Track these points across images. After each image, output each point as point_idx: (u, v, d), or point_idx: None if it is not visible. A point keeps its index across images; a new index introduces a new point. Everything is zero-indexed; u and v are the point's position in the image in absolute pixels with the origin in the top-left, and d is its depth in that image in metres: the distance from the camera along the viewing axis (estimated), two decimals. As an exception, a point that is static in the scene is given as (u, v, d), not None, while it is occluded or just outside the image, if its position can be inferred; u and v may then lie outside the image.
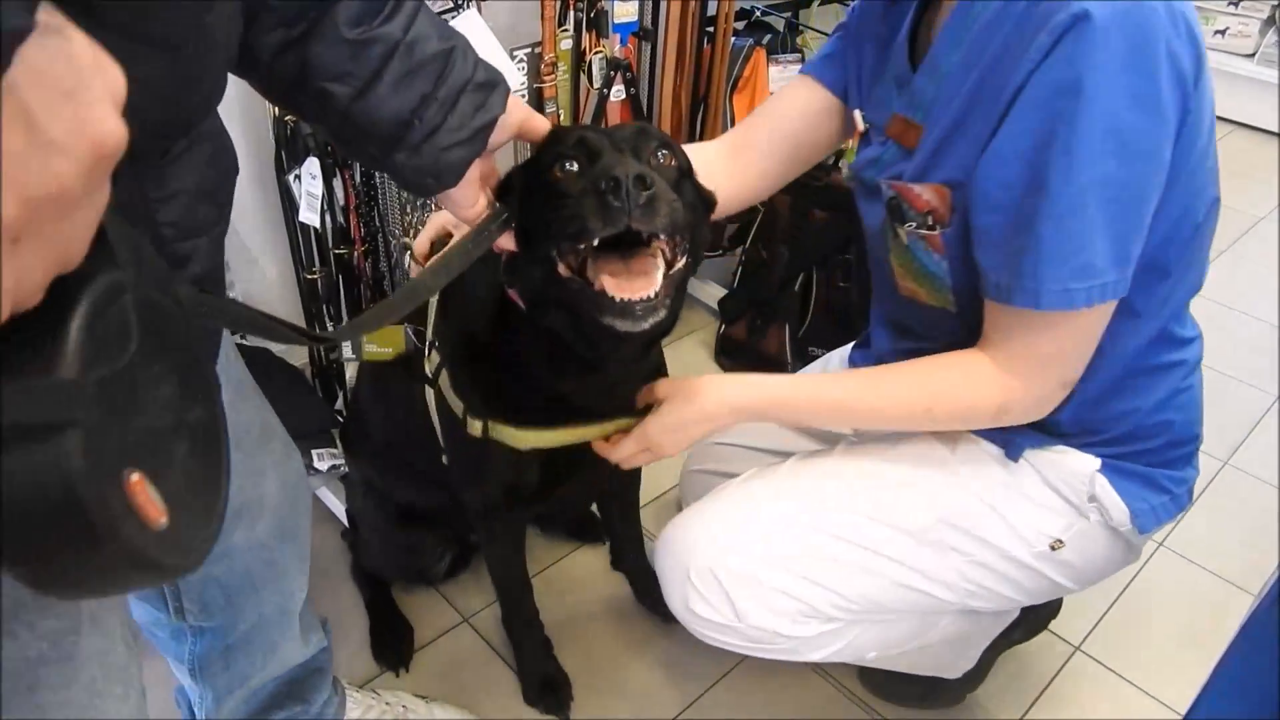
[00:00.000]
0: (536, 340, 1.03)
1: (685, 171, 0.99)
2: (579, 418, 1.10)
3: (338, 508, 1.66)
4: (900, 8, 1.08)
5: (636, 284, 0.88)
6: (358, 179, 1.57)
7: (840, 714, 1.49)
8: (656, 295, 0.88)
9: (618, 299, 0.87)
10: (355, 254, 1.60)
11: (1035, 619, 1.52)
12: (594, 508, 1.73)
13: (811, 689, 1.52)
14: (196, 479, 0.52)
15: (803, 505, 1.14)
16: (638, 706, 1.48)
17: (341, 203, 1.52)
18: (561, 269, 0.92)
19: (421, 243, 1.15)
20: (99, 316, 0.42)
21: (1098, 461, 1.12)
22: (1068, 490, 1.13)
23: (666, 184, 0.88)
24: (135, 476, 0.44)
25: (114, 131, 0.39)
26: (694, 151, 1.13)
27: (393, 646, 1.53)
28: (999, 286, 0.96)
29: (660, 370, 1.24)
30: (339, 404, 1.66)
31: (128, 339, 0.45)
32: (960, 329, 1.07)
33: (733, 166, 1.24)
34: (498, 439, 1.10)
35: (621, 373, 1.09)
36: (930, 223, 1.02)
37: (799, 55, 2.14)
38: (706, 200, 1.05)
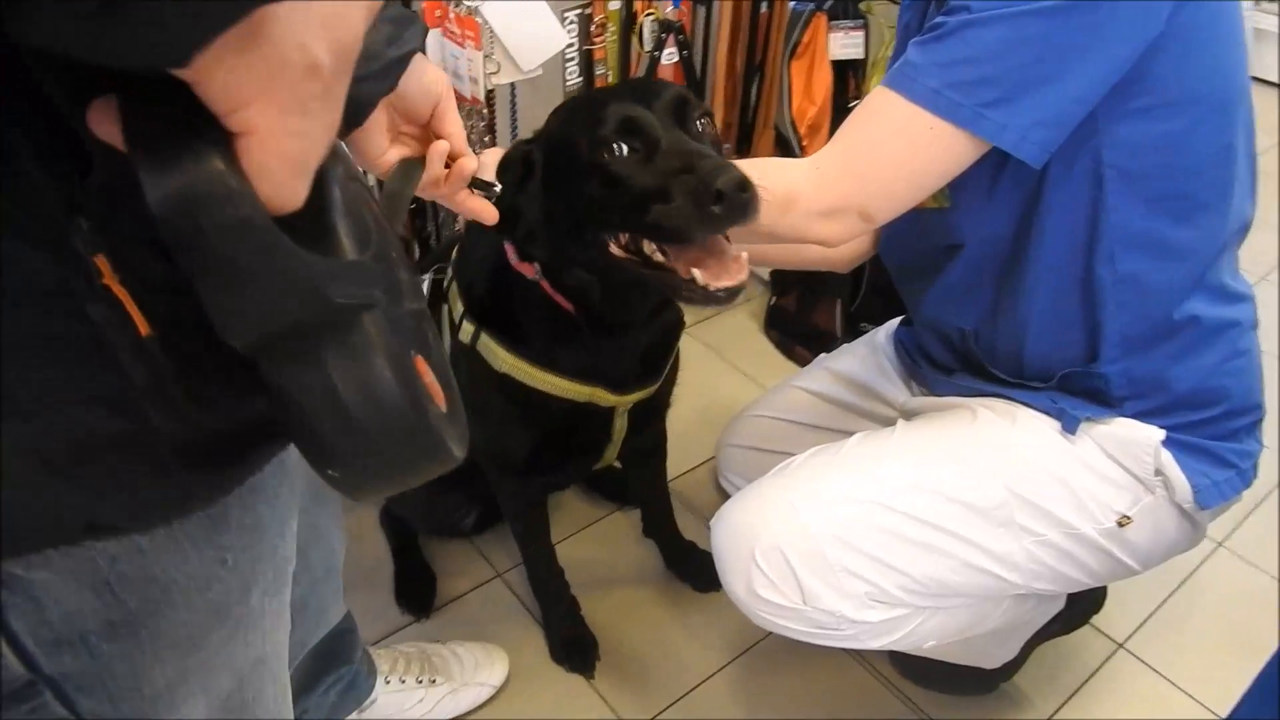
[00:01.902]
0: (538, 307, 1.05)
1: (717, 135, 0.99)
2: (571, 372, 1.11)
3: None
4: None
5: (731, 271, 0.90)
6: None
7: (869, 695, 1.47)
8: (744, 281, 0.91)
9: (712, 288, 0.89)
10: (408, 220, 1.62)
11: (1077, 612, 1.47)
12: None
13: (840, 668, 1.50)
14: (441, 365, 0.50)
15: (871, 484, 1.11)
16: (663, 672, 1.48)
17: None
18: (615, 250, 0.94)
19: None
20: (346, 201, 0.41)
21: (1161, 433, 1.08)
22: (1131, 463, 1.09)
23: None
24: (419, 358, 0.43)
25: None
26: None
27: (416, 594, 1.56)
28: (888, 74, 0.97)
29: (674, 332, 1.22)
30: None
31: (367, 224, 0.44)
32: (954, 227, 1.08)
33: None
34: (483, 354, 1.11)
35: (639, 335, 1.09)
36: None
37: (861, 21, 2.07)
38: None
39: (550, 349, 1.10)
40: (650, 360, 1.18)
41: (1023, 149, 0.93)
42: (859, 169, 0.99)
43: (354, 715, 1.30)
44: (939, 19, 0.94)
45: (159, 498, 0.44)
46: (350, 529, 1.63)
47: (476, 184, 0.81)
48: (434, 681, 1.38)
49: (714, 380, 2.09)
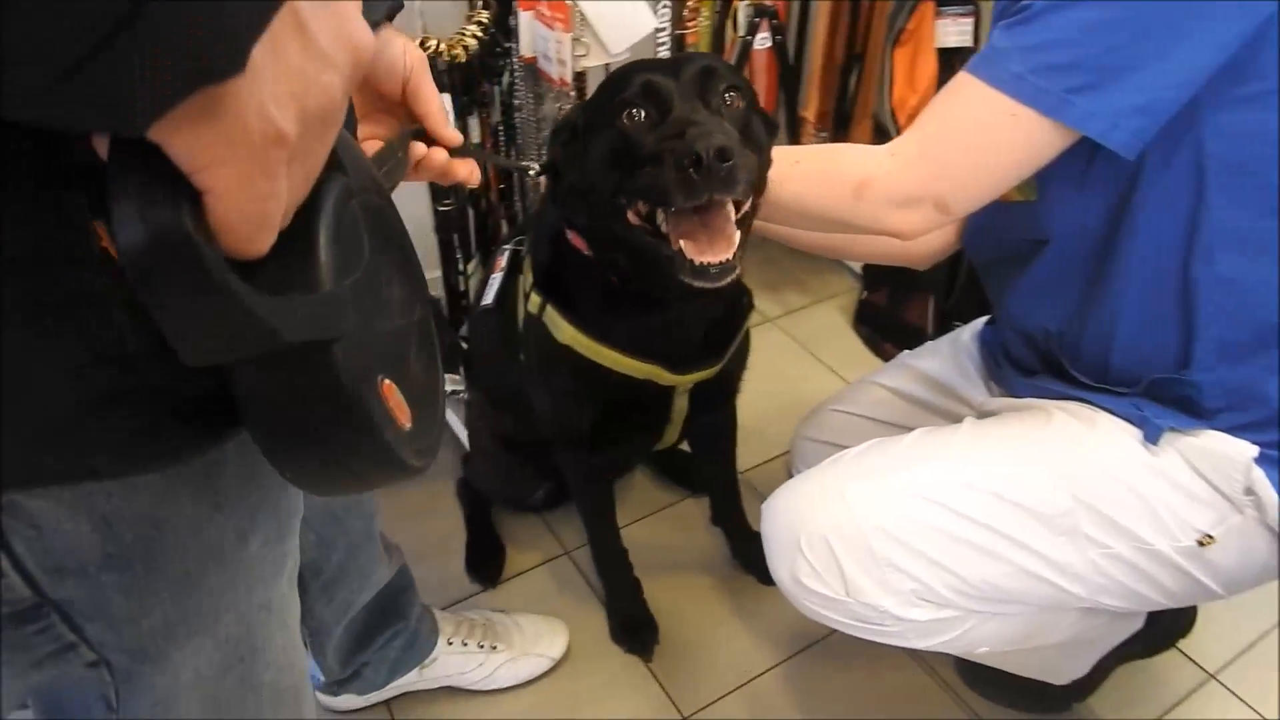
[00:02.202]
0: (593, 281, 1.07)
1: (752, 104, 0.98)
2: (631, 348, 1.11)
3: (461, 431, 1.75)
4: None
5: (716, 246, 0.90)
6: (497, 118, 1.62)
7: (930, 703, 1.43)
8: (733, 256, 0.90)
9: (697, 262, 0.89)
10: (490, 189, 1.66)
11: (1161, 633, 1.39)
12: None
13: (902, 671, 1.46)
14: (425, 378, 0.53)
15: (927, 478, 1.08)
16: (721, 661, 1.48)
17: (476, 140, 1.57)
18: (631, 216, 0.96)
19: None
20: (338, 224, 0.43)
21: (1254, 449, 1.01)
22: (1219, 480, 1.02)
23: (737, 138, 0.87)
24: (387, 382, 0.45)
25: (369, 40, 0.40)
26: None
27: (485, 564, 1.61)
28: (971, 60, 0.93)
29: (739, 308, 1.21)
30: (464, 331, 1.73)
31: (361, 244, 0.45)
32: (1041, 220, 1.03)
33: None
34: (548, 326, 1.13)
35: (689, 312, 1.10)
36: None
37: (971, 7, 1.99)
38: (771, 128, 1.03)
39: (607, 323, 1.11)
40: (713, 341, 1.18)
41: (1112, 137, 0.88)
42: (937, 157, 0.95)
43: (414, 673, 1.36)
44: (1025, 1, 0.90)
45: (154, 450, 0.47)
46: (425, 500, 1.71)
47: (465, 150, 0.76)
48: (495, 648, 1.42)
49: (799, 374, 2.06)
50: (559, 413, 1.24)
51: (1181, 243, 0.97)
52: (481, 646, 1.41)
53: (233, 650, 0.62)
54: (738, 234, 0.91)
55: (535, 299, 1.15)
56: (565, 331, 1.13)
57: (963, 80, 0.93)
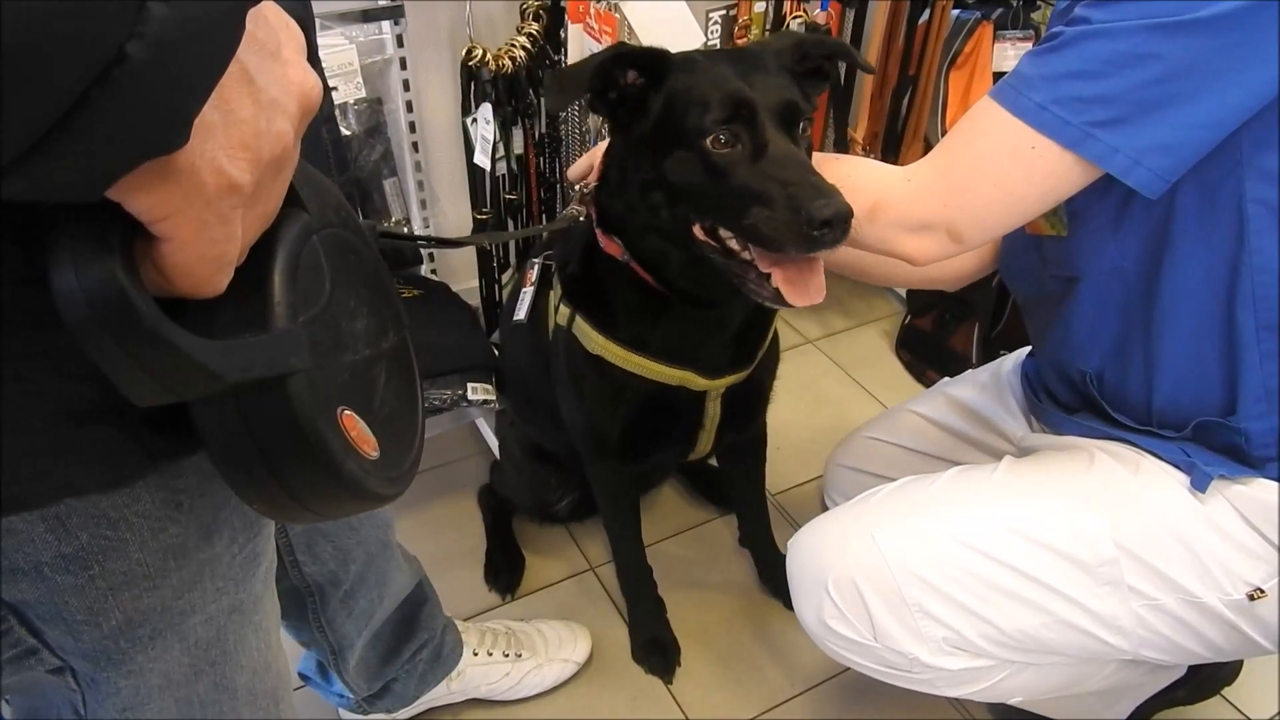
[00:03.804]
0: (627, 288, 1.06)
1: (811, 142, 0.98)
2: (662, 354, 1.11)
3: (492, 440, 1.75)
4: None
5: (812, 292, 0.92)
6: (541, 129, 1.62)
7: (956, 741, 1.39)
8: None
9: (782, 292, 0.91)
10: (531, 201, 1.66)
11: (1207, 679, 1.33)
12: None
13: (931, 707, 1.42)
14: (395, 407, 0.54)
15: (962, 522, 1.04)
16: (742, 687, 1.45)
17: (519, 151, 1.58)
18: (697, 230, 0.96)
19: (577, 169, 1.16)
20: (296, 262, 0.44)
21: None
22: (1271, 531, 0.98)
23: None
24: (348, 413, 0.46)
25: (316, 84, 0.41)
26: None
27: (504, 574, 1.60)
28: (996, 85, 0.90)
29: (766, 316, 1.20)
30: (495, 338, 1.74)
31: (322, 279, 0.47)
32: (1072, 257, 1.01)
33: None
34: (578, 337, 1.13)
35: (720, 316, 1.10)
36: None
37: (1031, 31, 1.95)
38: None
39: (640, 331, 1.11)
40: (742, 345, 1.17)
41: (1134, 175, 0.84)
42: (953, 184, 0.93)
43: (443, 686, 1.35)
44: (1057, 29, 0.87)
45: (128, 462, 0.47)
46: (451, 514, 1.71)
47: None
48: (519, 656, 1.41)
49: (838, 397, 2.03)
50: (590, 422, 1.24)
51: (1224, 287, 0.93)
52: (507, 655, 1.41)
53: (203, 654, 0.62)
54: (823, 280, 0.92)
55: (564, 310, 1.15)
56: (595, 341, 1.12)
57: (985, 106, 0.91)
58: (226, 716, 0.68)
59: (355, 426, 0.46)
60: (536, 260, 1.23)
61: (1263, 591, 0.98)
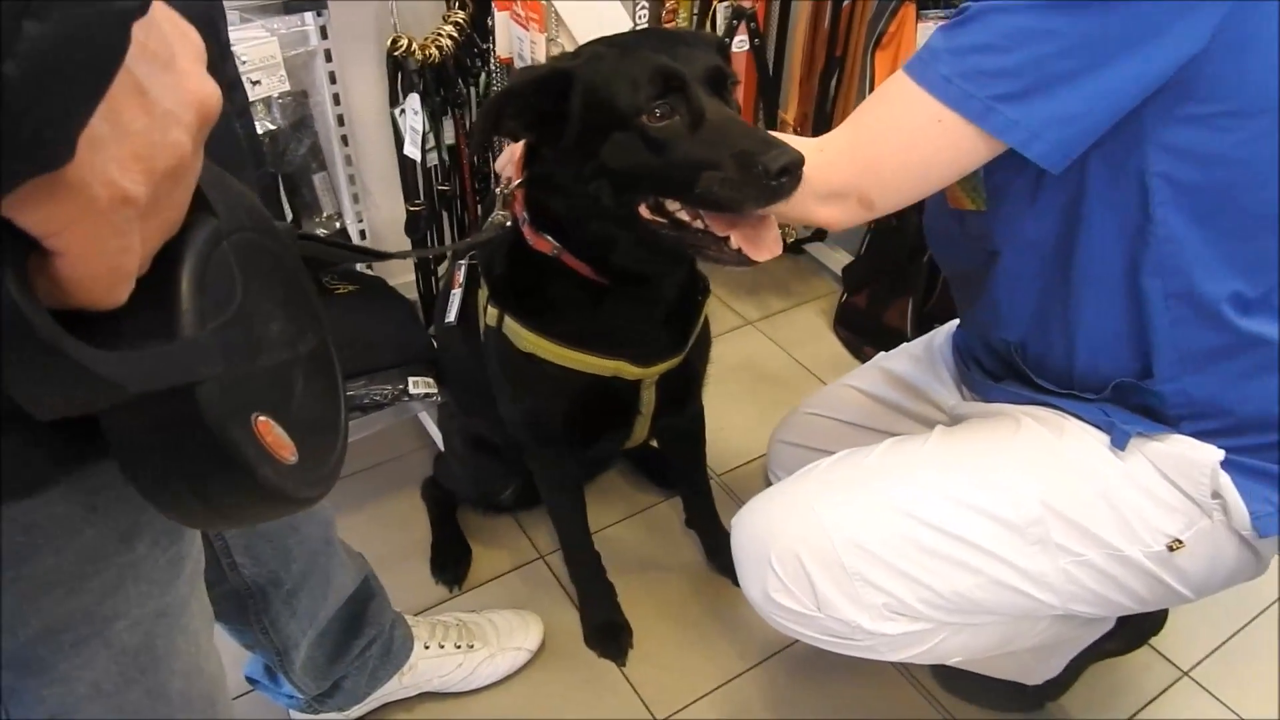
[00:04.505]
0: (556, 282, 1.07)
1: (737, 103, 1.01)
2: (596, 346, 1.12)
3: (437, 434, 1.74)
4: None
5: (771, 245, 0.94)
6: (471, 119, 1.61)
7: (905, 706, 1.42)
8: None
9: (743, 252, 0.92)
10: (464, 194, 1.65)
11: (1134, 631, 1.39)
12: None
13: (878, 675, 1.46)
14: (316, 409, 0.53)
15: (897, 491, 1.07)
16: (696, 665, 1.47)
17: (450, 141, 1.57)
18: (644, 211, 0.96)
19: (501, 163, 1.16)
20: (204, 268, 0.43)
21: (1220, 454, 1.01)
22: (1187, 484, 1.02)
23: None
24: (262, 419, 0.46)
25: (214, 93, 0.40)
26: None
27: (450, 565, 1.60)
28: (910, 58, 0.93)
29: (696, 294, 1.21)
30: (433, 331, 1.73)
31: (233, 284, 0.46)
32: (993, 231, 1.04)
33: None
34: (509, 336, 1.13)
35: (657, 300, 1.12)
36: None
37: (953, 10, 1.99)
38: None
39: (571, 324, 1.11)
40: (674, 331, 1.18)
41: (1034, 148, 0.87)
42: (863, 155, 0.95)
43: (395, 680, 1.34)
44: (965, 3, 0.89)
45: (35, 471, 0.47)
46: (397, 509, 1.70)
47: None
48: (471, 647, 1.41)
49: (778, 376, 2.06)
50: (527, 417, 1.24)
51: (1130, 258, 0.97)
52: (459, 647, 1.40)
53: (132, 661, 0.61)
54: (777, 229, 0.94)
55: (492, 312, 1.15)
56: (527, 339, 1.12)
57: (896, 80, 0.93)
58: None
59: (271, 432, 0.46)
60: (463, 261, 1.22)
61: (1181, 543, 1.03)
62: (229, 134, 0.50)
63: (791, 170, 0.85)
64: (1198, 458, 1.01)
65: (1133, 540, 1.03)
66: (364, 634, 1.25)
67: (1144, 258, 0.95)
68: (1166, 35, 0.83)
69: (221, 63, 0.61)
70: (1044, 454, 1.06)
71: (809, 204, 0.96)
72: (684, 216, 0.95)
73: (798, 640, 1.47)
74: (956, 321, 1.42)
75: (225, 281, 0.45)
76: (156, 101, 0.37)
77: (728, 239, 0.93)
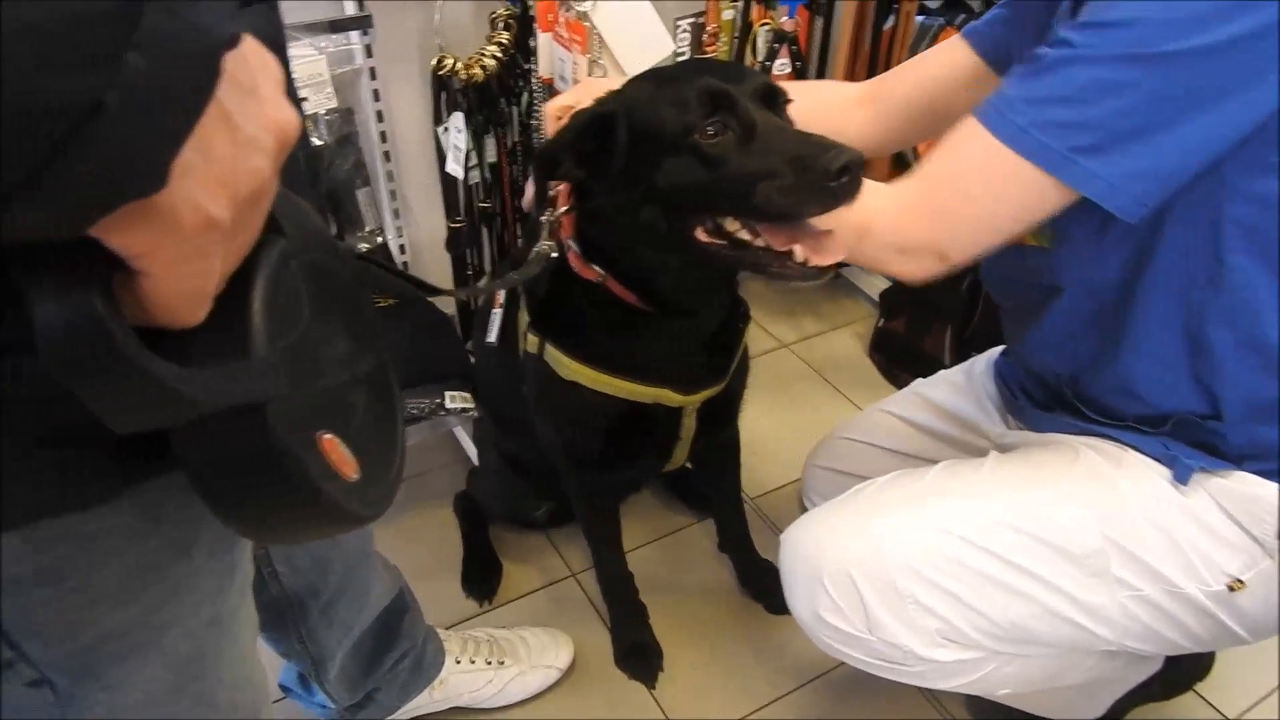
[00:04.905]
0: (602, 310, 1.06)
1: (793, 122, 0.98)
2: (637, 373, 1.11)
3: (471, 449, 1.74)
4: None
5: (832, 249, 0.90)
6: (514, 138, 1.63)
7: (938, 739, 1.40)
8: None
9: (811, 264, 0.89)
10: (505, 211, 1.66)
11: (1179, 675, 1.35)
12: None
13: (910, 707, 1.43)
14: (375, 427, 0.54)
15: (954, 515, 1.05)
16: (725, 690, 1.45)
17: (492, 159, 1.58)
18: (701, 234, 0.94)
19: (528, 199, 1.13)
20: (274, 289, 0.44)
21: None
22: (1250, 523, 0.99)
23: None
24: (327, 437, 0.47)
25: (293, 119, 0.42)
26: (824, 89, 1.13)
27: (481, 580, 1.60)
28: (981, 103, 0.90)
29: (737, 328, 1.21)
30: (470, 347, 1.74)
31: (300, 304, 0.47)
32: (1055, 268, 1.01)
33: (862, 115, 1.20)
34: (550, 363, 1.13)
35: (694, 329, 1.11)
36: None
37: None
38: None
39: (614, 352, 1.10)
40: (715, 358, 1.17)
41: (1113, 201, 0.85)
42: (937, 206, 0.93)
43: (425, 694, 1.34)
44: (1040, 50, 0.87)
45: (104, 483, 0.47)
46: (429, 523, 1.70)
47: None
48: (502, 663, 1.41)
49: (812, 400, 2.04)
50: (567, 441, 1.24)
51: (1198, 304, 0.94)
52: (490, 663, 1.40)
53: (184, 669, 0.61)
54: (838, 233, 0.92)
55: (532, 339, 1.14)
56: (570, 367, 1.12)
57: (969, 127, 0.91)
58: None
59: (335, 449, 0.47)
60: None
61: (1241, 582, 1.00)
62: (292, 157, 0.51)
63: (851, 169, 0.82)
64: (1263, 495, 0.98)
65: (1192, 577, 1.00)
66: (397, 647, 1.25)
67: (1213, 305, 0.93)
68: (1247, 92, 0.81)
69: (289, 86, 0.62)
70: (1103, 485, 1.03)
71: (887, 256, 0.95)
72: (744, 236, 0.93)
73: (828, 670, 1.46)
74: (997, 350, 1.40)
75: (292, 301, 0.46)
76: (241, 128, 0.38)
77: (790, 253, 0.90)
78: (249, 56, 0.39)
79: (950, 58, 1.14)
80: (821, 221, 0.90)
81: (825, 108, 1.20)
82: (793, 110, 1.01)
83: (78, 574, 0.51)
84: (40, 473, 0.45)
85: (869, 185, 1.00)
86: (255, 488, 0.44)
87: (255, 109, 0.39)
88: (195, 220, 0.37)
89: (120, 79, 0.30)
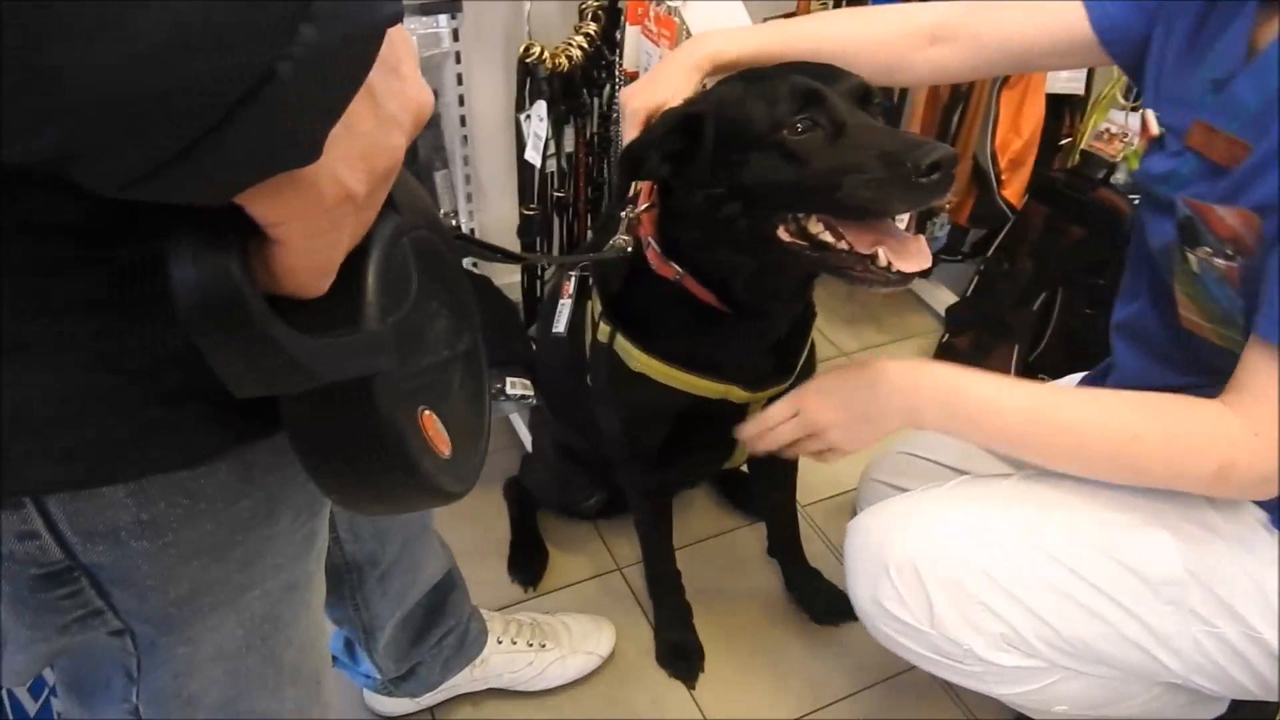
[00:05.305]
0: (676, 306, 1.06)
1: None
2: (705, 368, 1.11)
3: (525, 434, 1.76)
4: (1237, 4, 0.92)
5: (913, 254, 0.89)
6: (593, 129, 1.63)
7: (979, 764, 1.37)
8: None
9: (894, 269, 0.88)
10: (578, 201, 1.67)
11: (1244, 723, 1.31)
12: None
13: (952, 728, 1.41)
14: (467, 405, 0.55)
15: (1032, 524, 1.03)
16: (765, 696, 1.45)
17: (569, 149, 1.59)
18: (783, 233, 0.94)
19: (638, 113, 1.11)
20: (388, 264, 0.45)
21: None
22: None
23: None
24: (427, 413, 0.48)
25: (429, 99, 0.43)
26: (881, 15, 1.13)
27: (527, 565, 1.61)
28: (1267, 317, 0.83)
29: (805, 328, 1.21)
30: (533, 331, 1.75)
31: (409, 281, 0.48)
32: (1220, 362, 0.94)
33: (938, 53, 1.13)
34: (620, 354, 1.13)
35: (773, 329, 1.10)
36: (1230, 252, 0.88)
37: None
38: None
39: (684, 347, 1.10)
40: (782, 358, 1.17)
41: None
42: None
43: (466, 672, 1.36)
44: None
45: (213, 442, 0.49)
46: (481, 506, 1.71)
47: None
48: (544, 646, 1.42)
49: (870, 411, 2.01)
50: (630, 433, 1.24)
51: None
52: (530, 645, 1.41)
53: (256, 628, 0.63)
54: (924, 239, 0.90)
55: (604, 328, 1.14)
56: (639, 359, 1.12)
57: None
58: (269, 692, 0.69)
59: (433, 426, 0.48)
60: (573, 272, 1.23)
61: None
62: None
63: (943, 165, 0.80)
64: None
65: (1273, 625, 0.97)
66: (443, 623, 1.27)
67: None
68: None
69: None
70: (1192, 514, 1.00)
71: (1254, 489, 0.91)
72: (828, 238, 0.91)
73: (870, 685, 1.45)
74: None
75: (403, 277, 0.47)
76: (383, 105, 0.39)
77: (874, 256, 0.89)
78: (392, 34, 0.39)
79: (1062, 20, 1.07)
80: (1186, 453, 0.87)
81: (886, 40, 1.13)
82: (846, 39, 1.00)
83: (175, 529, 0.52)
84: (152, 433, 0.46)
85: (1208, 414, 0.91)
86: (357, 459, 0.45)
87: (397, 87, 0.40)
88: (335, 193, 0.38)
89: (293, 50, 0.30)
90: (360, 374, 0.42)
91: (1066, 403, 1.00)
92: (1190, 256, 0.92)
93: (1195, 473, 0.91)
